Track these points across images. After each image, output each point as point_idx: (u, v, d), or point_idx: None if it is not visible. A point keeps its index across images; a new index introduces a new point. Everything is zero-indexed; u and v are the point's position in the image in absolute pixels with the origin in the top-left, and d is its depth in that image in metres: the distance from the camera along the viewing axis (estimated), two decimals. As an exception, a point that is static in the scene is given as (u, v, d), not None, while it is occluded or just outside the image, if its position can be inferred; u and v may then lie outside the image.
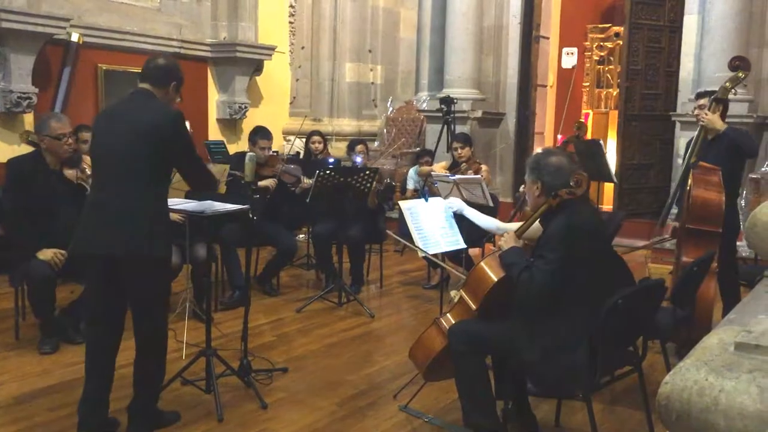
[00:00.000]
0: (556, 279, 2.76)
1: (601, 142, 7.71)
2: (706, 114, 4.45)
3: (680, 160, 7.15)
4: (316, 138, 6.80)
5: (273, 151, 5.94)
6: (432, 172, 6.32)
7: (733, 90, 4.57)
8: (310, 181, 5.60)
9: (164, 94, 3.12)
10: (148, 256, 2.99)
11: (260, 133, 5.56)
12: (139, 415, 3.14)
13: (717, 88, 4.68)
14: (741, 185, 4.74)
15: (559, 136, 10.40)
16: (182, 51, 7.68)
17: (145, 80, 3.11)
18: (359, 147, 6.38)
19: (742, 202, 6.52)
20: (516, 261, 2.90)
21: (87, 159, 4.08)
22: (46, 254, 4.06)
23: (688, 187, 4.37)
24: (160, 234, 3.03)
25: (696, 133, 4.59)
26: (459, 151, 6.25)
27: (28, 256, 4.08)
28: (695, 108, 4.88)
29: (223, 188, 4.66)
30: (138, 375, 3.15)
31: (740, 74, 4.54)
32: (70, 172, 4.25)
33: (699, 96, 4.94)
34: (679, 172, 4.94)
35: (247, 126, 7.40)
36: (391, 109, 9.51)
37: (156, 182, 3.04)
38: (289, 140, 9.08)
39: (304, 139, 7.11)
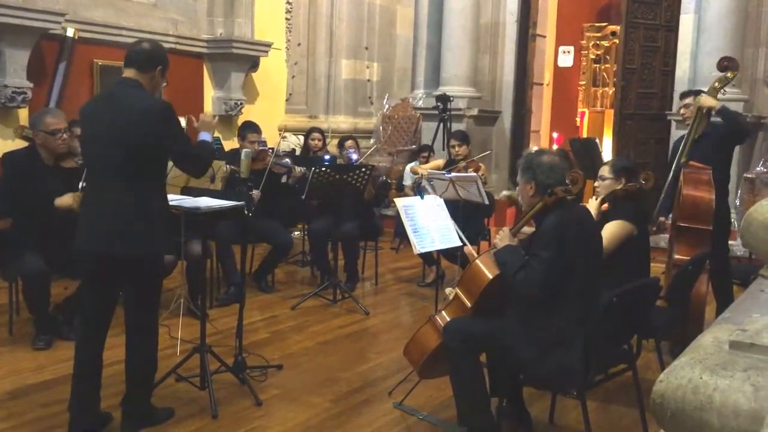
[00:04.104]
0: (551, 277, 2.77)
1: (597, 140, 7.72)
2: (699, 96, 4.49)
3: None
4: (315, 135, 6.79)
5: (269, 148, 5.93)
6: (428, 171, 6.31)
7: (722, 90, 4.60)
8: (302, 169, 5.60)
9: (150, 78, 3.05)
10: (146, 253, 3.00)
11: (249, 128, 5.61)
12: (132, 411, 3.14)
13: (702, 89, 4.72)
14: (729, 181, 4.80)
15: (555, 134, 10.43)
16: (178, 47, 7.65)
17: (130, 66, 3.04)
18: (349, 142, 6.37)
19: (737, 202, 6.55)
20: (510, 260, 2.91)
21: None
22: (64, 200, 4.02)
23: (678, 187, 4.40)
24: (158, 230, 3.03)
25: (685, 132, 4.61)
26: (456, 149, 6.24)
27: (22, 252, 4.06)
28: (681, 108, 4.89)
29: (218, 184, 4.65)
30: (130, 371, 3.14)
31: (729, 75, 4.57)
32: (68, 161, 4.24)
33: (684, 95, 4.94)
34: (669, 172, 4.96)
35: (243, 123, 7.38)
36: (387, 106, 9.50)
37: (150, 177, 3.01)
38: (285, 137, 9.06)
39: (299, 135, 7.09)
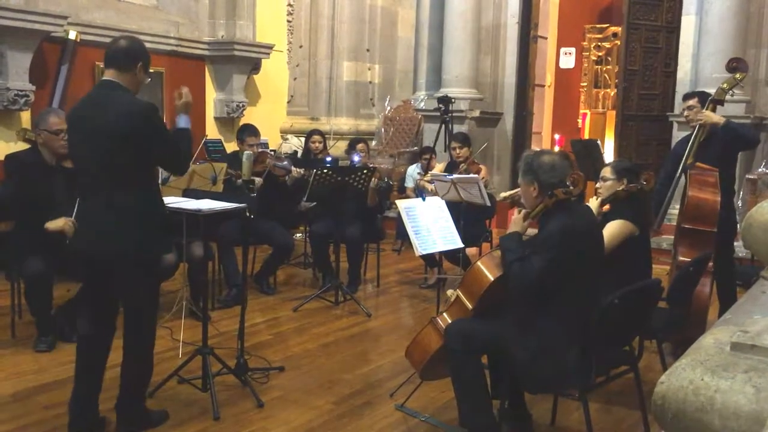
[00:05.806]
0: (546, 277, 2.76)
1: (599, 142, 7.70)
2: (702, 112, 4.45)
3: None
4: (316, 137, 6.80)
5: (271, 150, 5.94)
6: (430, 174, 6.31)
7: (730, 92, 4.57)
8: (300, 171, 5.61)
9: (132, 77, 3.01)
10: (138, 259, 2.98)
11: (248, 131, 5.62)
12: (127, 414, 3.14)
13: (705, 90, 4.68)
14: (735, 181, 4.78)
15: (556, 136, 10.44)
16: (179, 49, 7.66)
17: (109, 67, 3.00)
18: (360, 146, 6.38)
19: (739, 203, 6.53)
20: (512, 248, 2.90)
21: None
22: (57, 223, 3.97)
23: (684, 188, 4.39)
24: (149, 235, 3.01)
25: (693, 133, 4.58)
26: (457, 150, 6.25)
27: (24, 254, 4.07)
28: (684, 109, 4.85)
29: (220, 186, 4.66)
30: (126, 374, 3.13)
31: (738, 76, 4.53)
32: (70, 161, 4.23)
33: (687, 97, 4.88)
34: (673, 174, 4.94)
35: (245, 125, 7.38)
36: (388, 108, 9.50)
37: (138, 181, 2.99)
38: (287, 138, 9.07)
39: (300, 137, 7.09)
